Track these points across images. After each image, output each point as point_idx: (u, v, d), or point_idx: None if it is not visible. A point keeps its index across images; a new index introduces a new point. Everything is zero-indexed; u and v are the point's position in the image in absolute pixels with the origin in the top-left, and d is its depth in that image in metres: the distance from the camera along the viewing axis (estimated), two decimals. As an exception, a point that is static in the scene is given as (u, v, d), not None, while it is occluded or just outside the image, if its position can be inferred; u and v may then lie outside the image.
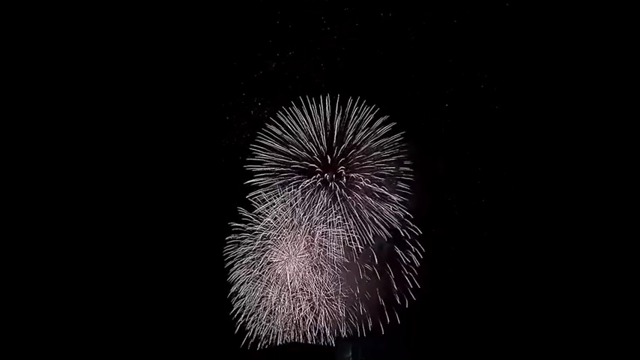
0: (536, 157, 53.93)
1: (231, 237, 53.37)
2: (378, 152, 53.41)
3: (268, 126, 54.23)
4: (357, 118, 53.76)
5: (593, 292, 49.11)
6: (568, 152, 53.37)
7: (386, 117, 53.66)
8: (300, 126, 53.95)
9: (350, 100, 54.54)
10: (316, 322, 52.05)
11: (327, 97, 53.34)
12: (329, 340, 51.97)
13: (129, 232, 54.64)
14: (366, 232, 52.14)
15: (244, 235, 53.31)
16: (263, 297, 52.62)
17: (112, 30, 55.69)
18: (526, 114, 54.82)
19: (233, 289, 52.99)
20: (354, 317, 52.07)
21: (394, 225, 52.16)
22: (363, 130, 53.74)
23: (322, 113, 53.72)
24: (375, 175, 53.09)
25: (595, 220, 51.36)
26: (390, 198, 52.67)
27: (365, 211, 52.49)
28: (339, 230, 51.96)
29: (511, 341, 49.95)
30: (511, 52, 54.82)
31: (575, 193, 52.80)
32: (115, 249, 54.57)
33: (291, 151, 54.04)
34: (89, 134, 55.70)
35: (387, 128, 53.73)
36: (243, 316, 52.78)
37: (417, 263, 51.72)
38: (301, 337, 51.95)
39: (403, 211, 52.50)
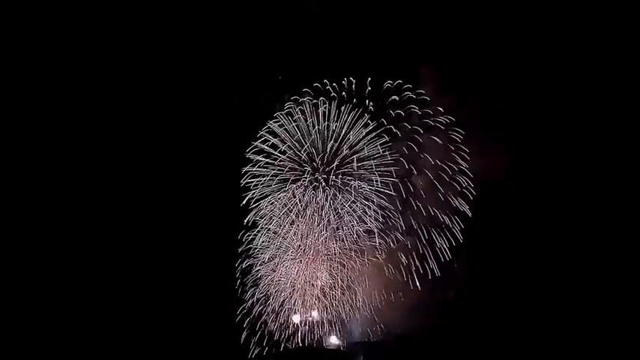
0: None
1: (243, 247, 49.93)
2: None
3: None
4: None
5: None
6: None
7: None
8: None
9: (386, 84, 49.13)
10: (331, 325, 49.68)
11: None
12: (342, 343, 49.95)
13: (135, 234, 52.10)
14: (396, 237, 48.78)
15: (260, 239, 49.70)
16: (282, 302, 49.65)
17: (119, 29, 55.45)
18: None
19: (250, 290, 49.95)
20: (371, 321, 49.66)
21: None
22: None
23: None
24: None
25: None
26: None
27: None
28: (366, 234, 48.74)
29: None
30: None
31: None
32: (125, 252, 52.27)
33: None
34: (95, 135, 54.24)
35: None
36: (257, 316, 49.68)
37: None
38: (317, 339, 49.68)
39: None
